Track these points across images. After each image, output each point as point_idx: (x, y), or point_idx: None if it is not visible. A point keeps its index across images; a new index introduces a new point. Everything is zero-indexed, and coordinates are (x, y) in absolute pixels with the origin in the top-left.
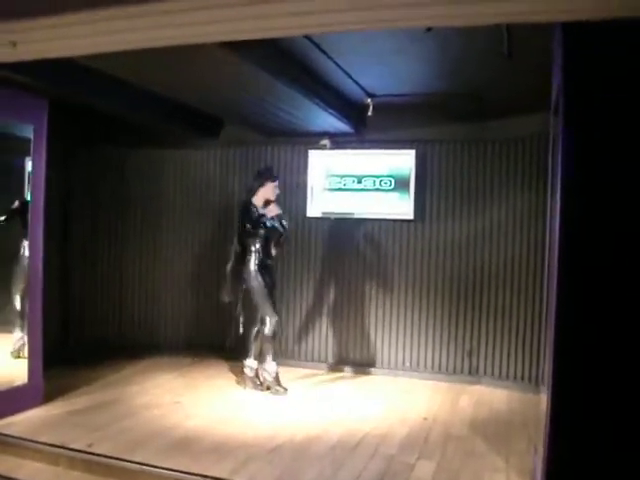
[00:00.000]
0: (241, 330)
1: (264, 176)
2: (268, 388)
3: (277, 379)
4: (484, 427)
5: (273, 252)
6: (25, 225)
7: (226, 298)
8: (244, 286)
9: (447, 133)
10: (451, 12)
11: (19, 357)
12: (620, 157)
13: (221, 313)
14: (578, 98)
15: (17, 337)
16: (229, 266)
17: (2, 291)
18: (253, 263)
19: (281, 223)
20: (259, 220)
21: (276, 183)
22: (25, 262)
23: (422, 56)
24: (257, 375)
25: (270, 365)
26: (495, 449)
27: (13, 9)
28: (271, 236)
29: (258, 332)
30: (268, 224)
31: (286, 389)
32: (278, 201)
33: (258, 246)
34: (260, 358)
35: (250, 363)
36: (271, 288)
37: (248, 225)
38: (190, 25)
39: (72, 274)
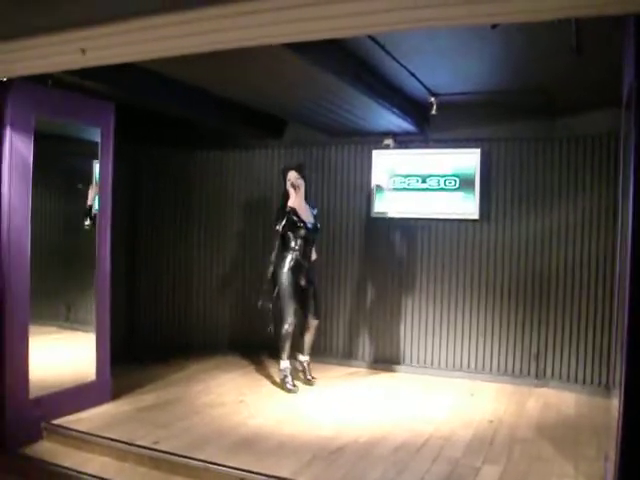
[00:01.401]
0: (270, 329)
1: (282, 175)
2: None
3: (284, 379)
4: (551, 431)
5: (313, 256)
6: None
7: (263, 304)
8: (275, 286)
9: (513, 131)
10: (517, 7)
11: None
12: None
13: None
14: None
15: None
16: (270, 271)
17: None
18: (287, 263)
19: (309, 222)
20: (283, 218)
21: (288, 176)
22: None
23: (487, 53)
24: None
25: (283, 363)
26: (563, 454)
27: (82, 17)
28: (312, 238)
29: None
30: (308, 225)
31: (296, 389)
32: (300, 195)
33: (294, 245)
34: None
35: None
36: (300, 290)
37: (275, 225)
38: (254, 27)
39: (139, 274)
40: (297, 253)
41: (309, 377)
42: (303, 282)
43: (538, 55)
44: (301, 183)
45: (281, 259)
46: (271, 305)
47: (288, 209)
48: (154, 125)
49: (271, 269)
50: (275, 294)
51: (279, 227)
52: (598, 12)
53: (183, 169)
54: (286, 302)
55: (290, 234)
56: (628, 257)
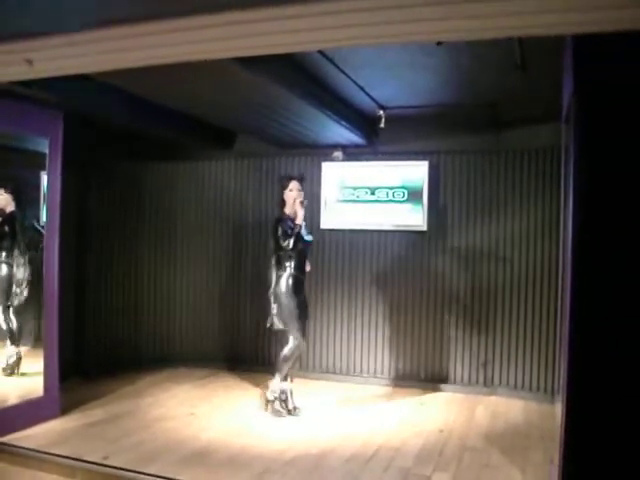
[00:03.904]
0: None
1: (280, 182)
2: (290, 413)
3: (283, 399)
4: (500, 438)
5: (307, 267)
6: (3, 237)
7: (271, 323)
8: (275, 305)
9: (460, 144)
10: (460, 27)
11: (12, 375)
12: (632, 167)
13: (235, 326)
14: (589, 108)
15: (9, 353)
16: (271, 291)
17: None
18: (286, 281)
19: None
20: (293, 234)
21: (290, 186)
22: (4, 274)
23: (435, 68)
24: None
25: (275, 384)
26: (511, 460)
27: (29, 28)
28: (306, 250)
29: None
30: (306, 237)
31: (287, 411)
32: (302, 206)
33: (292, 262)
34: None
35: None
36: (303, 308)
37: (285, 242)
38: (204, 42)
39: (88, 287)
40: (295, 269)
41: (293, 406)
42: (302, 299)
43: (484, 70)
44: (303, 196)
45: (278, 278)
46: (279, 324)
47: (297, 226)
48: (104, 136)
49: (271, 289)
50: (276, 313)
51: (290, 245)
52: (538, 33)
53: (133, 181)
54: (292, 323)
55: (285, 255)
56: (569, 267)
